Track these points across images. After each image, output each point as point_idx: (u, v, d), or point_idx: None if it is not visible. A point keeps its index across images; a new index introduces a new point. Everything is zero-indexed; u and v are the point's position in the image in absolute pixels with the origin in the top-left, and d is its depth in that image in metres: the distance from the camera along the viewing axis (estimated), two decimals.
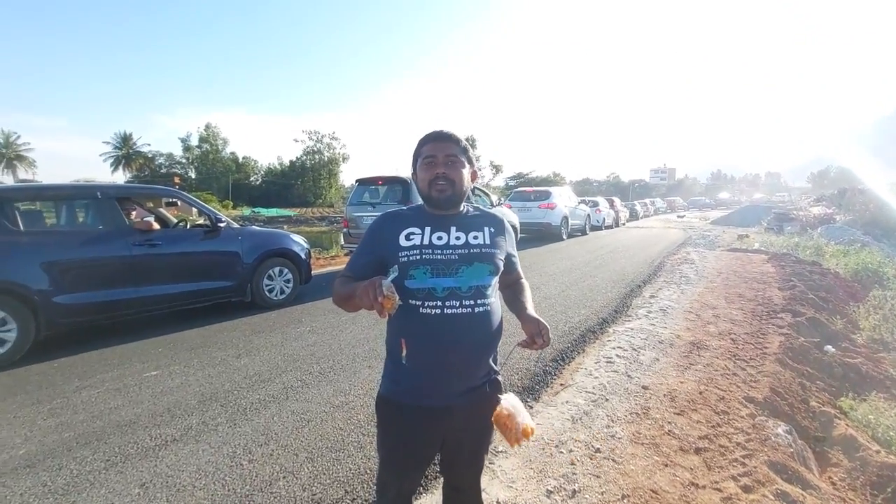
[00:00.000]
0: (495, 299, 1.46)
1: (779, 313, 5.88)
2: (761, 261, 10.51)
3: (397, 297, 1.22)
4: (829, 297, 7.14)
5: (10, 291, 4.10)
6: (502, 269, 1.50)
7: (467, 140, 1.54)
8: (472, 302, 1.36)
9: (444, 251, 1.38)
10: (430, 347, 1.35)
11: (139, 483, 2.41)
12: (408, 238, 1.40)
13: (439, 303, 1.34)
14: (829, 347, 4.99)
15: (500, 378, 1.51)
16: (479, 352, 1.42)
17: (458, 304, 1.35)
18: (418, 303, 1.35)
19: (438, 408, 1.40)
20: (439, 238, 1.40)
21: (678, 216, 36.32)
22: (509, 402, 1.37)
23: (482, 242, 1.44)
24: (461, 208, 1.50)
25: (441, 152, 1.41)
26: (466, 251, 1.40)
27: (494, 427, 1.39)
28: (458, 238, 1.42)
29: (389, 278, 1.26)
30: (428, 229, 1.42)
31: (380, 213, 1.56)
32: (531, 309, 1.53)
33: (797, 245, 12.70)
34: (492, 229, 1.49)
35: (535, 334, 1.41)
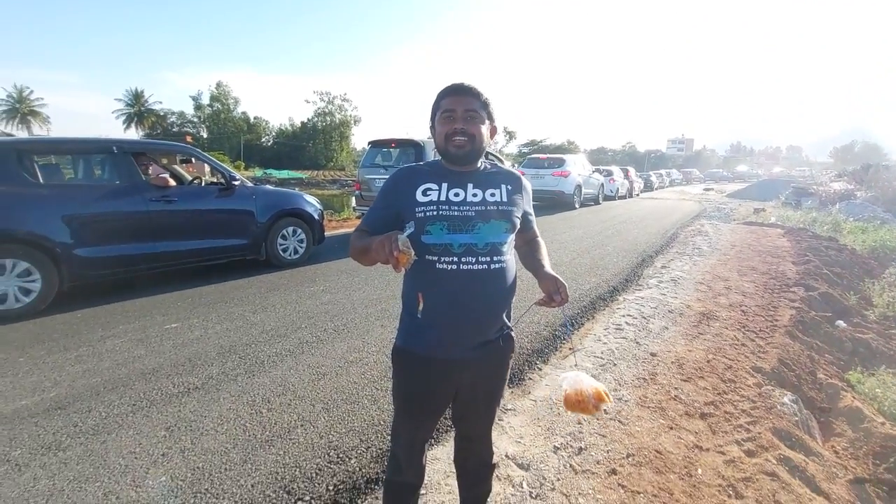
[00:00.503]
0: (511, 257, 1.46)
1: (791, 287, 5.84)
2: (776, 235, 10.37)
3: (412, 253, 1.23)
4: (844, 272, 7.06)
5: (33, 243, 4.20)
6: (518, 226, 1.50)
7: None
8: (488, 258, 1.37)
9: (461, 207, 1.38)
10: (446, 302, 1.37)
11: (165, 426, 2.51)
12: (425, 193, 1.40)
13: (455, 258, 1.34)
14: (840, 322, 4.98)
15: (513, 334, 1.53)
16: (494, 307, 1.43)
17: (474, 260, 1.35)
18: (434, 258, 1.35)
19: (453, 360, 1.42)
20: (456, 194, 1.40)
21: (705, 189, 33.59)
22: (568, 382, 1.42)
23: (499, 200, 1.43)
24: (479, 165, 1.48)
25: (461, 106, 1.38)
26: (483, 208, 1.39)
27: (570, 411, 1.44)
28: (475, 195, 1.41)
29: (405, 233, 1.26)
30: (445, 185, 1.41)
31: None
32: (548, 266, 1.53)
33: (814, 220, 12.50)
34: (509, 187, 1.48)
35: (553, 291, 1.41)
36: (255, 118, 65.22)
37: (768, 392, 3.14)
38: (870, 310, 5.67)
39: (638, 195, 24.02)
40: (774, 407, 2.95)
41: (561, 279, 1.44)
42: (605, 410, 1.43)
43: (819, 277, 6.38)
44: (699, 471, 2.31)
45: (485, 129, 1.42)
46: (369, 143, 9.93)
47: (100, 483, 2.07)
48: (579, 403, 1.40)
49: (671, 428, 2.67)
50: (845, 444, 2.94)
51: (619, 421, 2.72)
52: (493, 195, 1.43)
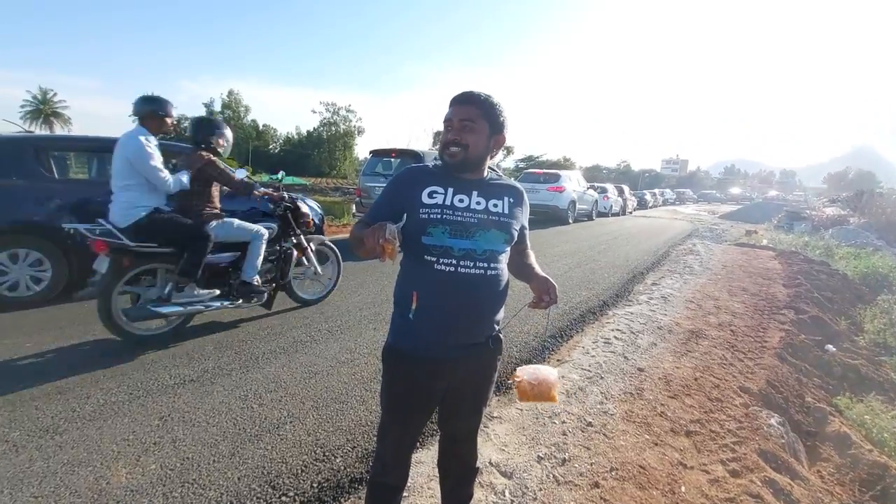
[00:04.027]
0: (505, 265, 1.50)
1: (781, 309, 5.83)
2: (768, 257, 10.40)
3: (397, 244, 1.25)
4: (835, 297, 7.06)
5: (46, 235, 4.31)
6: (516, 238, 1.52)
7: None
8: (485, 264, 1.40)
9: (465, 214, 1.40)
10: (441, 302, 1.39)
11: (159, 416, 2.57)
12: (431, 196, 1.41)
13: (454, 261, 1.36)
14: (829, 346, 4.95)
15: (501, 335, 1.54)
16: (487, 310, 1.46)
17: (472, 264, 1.38)
18: (433, 259, 1.37)
19: (443, 359, 1.44)
20: (461, 200, 1.41)
21: (696, 209, 34.04)
22: (524, 373, 1.48)
23: (501, 211, 1.46)
24: (484, 174, 1.50)
25: (457, 116, 1.40)
26: (486, 217, 1.42)
27: (529, 399, 1.48)
28: (478, 203, 1.43)
29: (396, 224, 1.28)
30: (451, 190, 1.42)
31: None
32: (539, 269, 1.56)
33: (807, 244, 12.56)
34: (511, 199, 1.51)
35: (543, 292, 1.45)
36: (263, 126, 67.37)
37: (755, 413, 3.10)
38: (860, 336, 5.66)
39: (631, 213, 24.11)
40: (761, 428, 2.90)
41: (552, 280, 1.48)
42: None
43: (810, 301, 6.38)
44: (683, 489, 2.26)
45: (482, 137, 1.42)
46: (371, 152, 10.11)
47: (92, 467, 2.12)
48: (537, 395, 1.45)
49: (656, 444, 2.62)
50: (832, 469, 2.89)
51: (604, 434, 2.66)
52: (495, 206, 1.45)
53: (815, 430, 3.33)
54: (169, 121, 3.58)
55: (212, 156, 3.69)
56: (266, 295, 3.98)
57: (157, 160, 3.42)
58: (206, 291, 3.72)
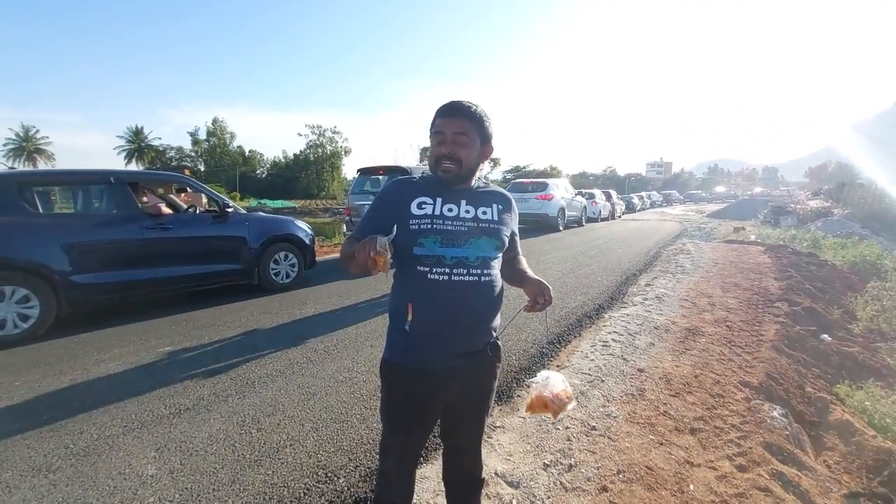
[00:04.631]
0: (498, 272, 1.49)
1: (775, 302, 5.86)
2: (757, 252, 10.50)
3: (389, 255, 1.25)
4: (826, 287, 7.13)
5: (32, 271, 4.26)
6: (507, 245, 1.52)
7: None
8: (478, 271, 1.40)
9: (455, 222, 1.40)
10: (437, 311, 1.38)
11: (155, 447, 2.51)
12: (419, 207, 1.41)
13: (447, 269, 1.36)
14: (825, 336, 4.98)
15: (499, 342, 1.53)
16: (483, 317, 1.45)
17: (465, 272, 1.38)
18: (426, 269, 1.37)
19: (442, 370, 1.42)
20: (450, 210, 1.41)
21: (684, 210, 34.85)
22: (535, 388, 1.46)
23: (490, 218, 1.46)
24: (472, 183, 1.50)
25: (450, 129, 1.40)
26: (475, 224, 1.42)
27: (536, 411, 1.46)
28: (467, 211, 1.43)
29: (387, 237, 1.28)
30: (439, 200, 1.42)
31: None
32: (531, 273, 1.56)
33: (794, 237, 12.70)
34: (500, 206, 1.52)
35: (538, 294, 1.44)
36: (250, 151, 68.19)
37: (757, 406, 3.09)
38: (853, 323, 5.70)
39: (620, 217, 24.30)
40: (764, 421, 2.89)
41: (545, 282, 1.47)
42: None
43: (802, 292, 6.42)
44: (691, 487, 2.24)
45: (474, 150, 1.43)
46: (358, 170, 10.08)
47: None
48: (545, 408, 1.43)
49: (661, 444, 2.60)
50: (837, 457, 2.89)
51: (609, 437, 2.64)
52: (484, 213, 1.46)
53: (817, 419, 3.32)
54: None
55: None
56: None
57: None
58: None
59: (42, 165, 60.60)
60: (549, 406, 1.41)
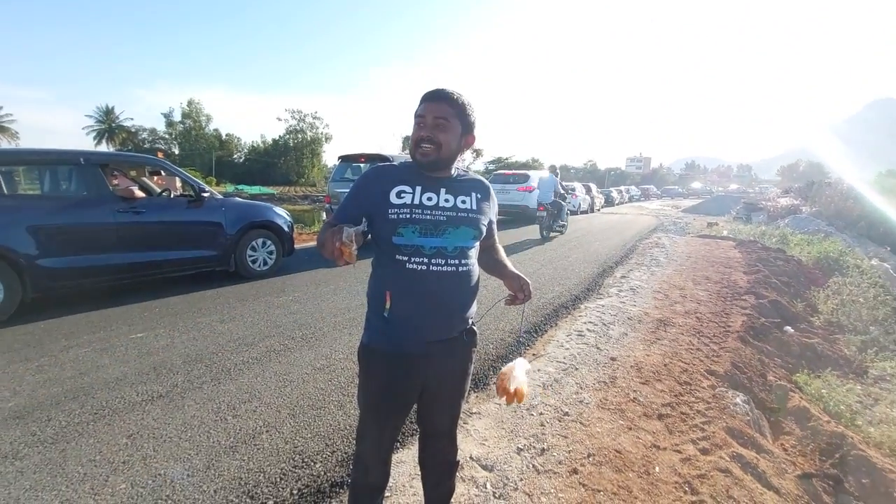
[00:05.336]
0: (475, 260, 1.52)
1: (743, 295, 6.08)
2: (729, 247, 10.82)
3: (355, 248, 1.24)
4: (792, 282, 7.41)
5: None
6: (484, 234, 1.53)
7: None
8: (456, 261, 1.41)
9: (434, 212, 1.40)
10: (415, 301, 1.39)
11: (127, 434, 2.48)
12: (399, 196, 1.41)
13: (425, 259, 1.37)
14: (788, 328, 5.20)
15: (475, 328, 1.56)
16: (460, 306, 1.47)
17: (443, 262, 1.39)
18: (405, 258, 1.38)
19: (418, 354, 1.44)
20: (429, 199, 1.42)
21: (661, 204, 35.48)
22: (512, 366, 1.52)
23: (469, 207, 1.47)
24: (451, 171, 1.50)
25: (431, 113, 1.39)
26: (455, 214, 1.42)
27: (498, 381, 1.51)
28: (447, 200, 1.44)
29: (355, 228, 1.26)
30: (419, 189, 1.42)
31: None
32: (511, 267, 1.59)
33: (764, 233, 13.10)
34: (479, 195, 1.52)
35: (517, 289, 1.49)
36: (227, 135, 65.40)
37: (722, 393, 3.24)
38: (815, 316, 5.96)
39: (599, 210, 24.65)
40: (728, 407, 3.04)
41: (525, 277, 1.51)
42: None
43: (768, 286, 6.67)
44: (657, 469, 2.35)
45: (454, 136, 1.42)
46: (339, 157, 9.94)
47: (56, 491, 2.04)
48: (502, 386, 1.50)
49: (630, 428, 2.72)
50: (794, 441, 3.06)
51: (581, 422, 2.75)
52: (463, 202, 1.46)
53: (777, 406, 3.50)
54: None
55: None
56: None
57: None
58: None
59: (4, 144, 56.82)
60: (508, 398, 1.48)
